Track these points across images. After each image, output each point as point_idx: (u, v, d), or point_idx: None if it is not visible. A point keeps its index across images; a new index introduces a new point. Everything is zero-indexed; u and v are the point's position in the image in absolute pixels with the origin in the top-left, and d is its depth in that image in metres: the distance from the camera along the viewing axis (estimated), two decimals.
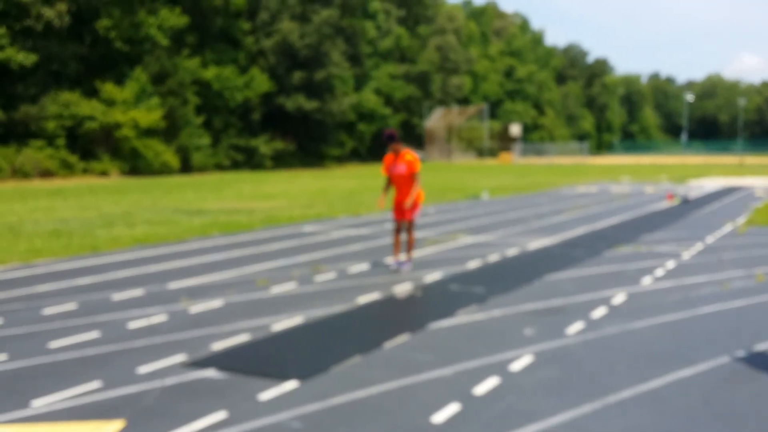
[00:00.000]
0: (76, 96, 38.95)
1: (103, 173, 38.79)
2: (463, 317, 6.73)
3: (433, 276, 8.83)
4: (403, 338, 6.00)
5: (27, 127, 36.71)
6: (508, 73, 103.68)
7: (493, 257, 10.38)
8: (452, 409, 4.38)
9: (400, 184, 9.20)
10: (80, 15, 41.01)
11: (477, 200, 21.85)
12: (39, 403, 4.48)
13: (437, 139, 79.53)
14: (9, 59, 36.28)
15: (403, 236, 9.43)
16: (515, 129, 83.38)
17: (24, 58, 36.82)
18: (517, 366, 5.21)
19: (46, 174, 35.87)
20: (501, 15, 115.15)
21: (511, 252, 10.89)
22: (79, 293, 7.85)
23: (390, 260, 9.87)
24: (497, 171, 48.58)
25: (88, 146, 39.32)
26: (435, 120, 79.09)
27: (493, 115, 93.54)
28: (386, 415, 4.30)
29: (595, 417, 4.26)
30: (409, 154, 9.15)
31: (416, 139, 76.02)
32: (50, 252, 10.72)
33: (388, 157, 9.23)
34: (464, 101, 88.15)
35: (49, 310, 7.03)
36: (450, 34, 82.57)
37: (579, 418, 4.25)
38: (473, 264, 9.76)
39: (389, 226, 14.08)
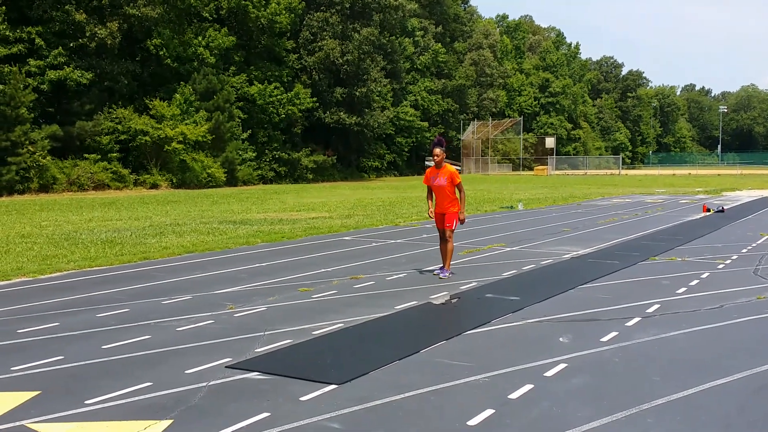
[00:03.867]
0: (128, 112, 40.11)
1: (154, 185, 39.77)
2: (498, 325, 6.85)
3: (469, 284, 8.96)
4: (439, 344, 6.15)
5: (83, 141, 37.92)
6: (543, 87, 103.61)
7: (528, 266, 10.46)
8: (487, 414, 4.50)
9: (441, 196, 9.54)
10: (132, 34, 42.22)
11: (512, 211, 21.86)
12: (92, 402, 4.74)
13: (473, 151, 79.77)
14: (66, 77, 37.56)
15: (444, 245, 9.65)
16: (550, 142, 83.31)
17: (79, 76, 38.06)
18: (551, 373, 5.31)
19: (100, 186, 36.97)
20: (536, 29, 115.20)
21: (546, 261, 10.95)
22: (131, 298, 8.18)
23: (431, 268, 10.04)
24: (532, 183, 48.32)
25: (140, 160, 40.40)
26: (471, 133, 79.35)
27: (528, 128, 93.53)
28: (423, 418, 4.45)
29: (629, 424, 4.32)
30: (450, 167, 9.52)
31: (453, 151, 76.21)
32: (105, 260, 11.15)
33: (430, 170, 9.66)
34: (499, 114, 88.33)
35: (103, 314, 7.37)
36: (486, 49, 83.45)
37: (613, 425, 4.32)
38: (508, 273, 9.87)
39: (426, 236, 14.23)
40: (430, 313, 7.47)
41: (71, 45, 38.54)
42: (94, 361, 5.68)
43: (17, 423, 4.33)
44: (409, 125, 67.87)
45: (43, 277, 9.83)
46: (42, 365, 5.57)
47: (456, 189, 9.47)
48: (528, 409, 4.57)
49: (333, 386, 5.02)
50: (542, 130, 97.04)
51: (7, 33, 36.37)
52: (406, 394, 4.87)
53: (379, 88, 58.53)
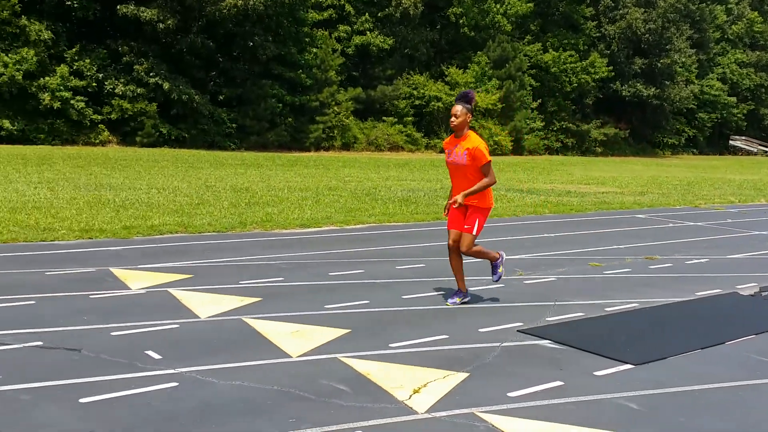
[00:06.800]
0: (424, 78, 41.95)
1: (442, 150, 41.37)
2: None
3: None
4: (748, 338, 5.64)
5: (382, 104, 40.53)
6: None
7: None
8: None
9: (458, 180, 6.26)
10: (434, 3, 43.83)
11: None
12: (395, 345, 5.09)
13: None
14: (370, 43, 40.30)
15: (457, 261, 6.37)
16: None
17: (382, 42, 40.58)
18: None
19: (394, 147, 39.35)
20: None
21: None
22: (426, 254, 8.62)
23: (735, 256, 9.18)
24: None
25: (431, 125, 42.15)
26: None
27: None
28: (730, 413, 4.14)
29: None
30: (474, 138, 6.14)
31: (764, 130, 68.22)
32: (401, 216, 11.88)
33: (449, 140, 6.38)
34: None
35: (402, 267, 7.86)
36: None
37: None
38: None
39: (730, 220, 13.01)
40: (737, 304, 6.86)
41: (378, 14, 41.10)
42: (395, 309, 6.08)
43: (332, 355, 4.80)
44: (714, 100, 62.14)
45: (347, 227, 10.73)
46: (351, 306, 6.10)
47: (481, 172, 6.12)
48: None
49: (629, 366, 4.86)
50: None
51: None
52: (710, 386, 4.55)
53: (683, 59, 54.25)
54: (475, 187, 6.07)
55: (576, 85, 49.50)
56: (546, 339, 5.38)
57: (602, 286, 7.31)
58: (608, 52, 52.25)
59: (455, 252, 6.26)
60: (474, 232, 6.15)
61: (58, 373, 4.22)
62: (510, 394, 4.24)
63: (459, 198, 6.08)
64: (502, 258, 6.50)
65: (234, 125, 34.41)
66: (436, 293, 6.71)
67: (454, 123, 6.10)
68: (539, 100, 48.20)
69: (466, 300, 6.38)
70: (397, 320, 5.76)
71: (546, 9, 50.53)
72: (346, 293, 6.56)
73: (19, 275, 6.65)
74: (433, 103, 40.95)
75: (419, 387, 4.28)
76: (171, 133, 32.44)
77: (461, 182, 6.19)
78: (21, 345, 4.70)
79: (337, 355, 4.79)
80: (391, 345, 5.10)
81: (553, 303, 6.51)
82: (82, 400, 3.84)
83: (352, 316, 5.80)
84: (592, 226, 12.02)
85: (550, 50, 49.47)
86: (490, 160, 6.12)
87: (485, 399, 4.14)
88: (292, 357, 4.73)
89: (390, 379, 4.39)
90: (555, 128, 49.76)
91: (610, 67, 50.81)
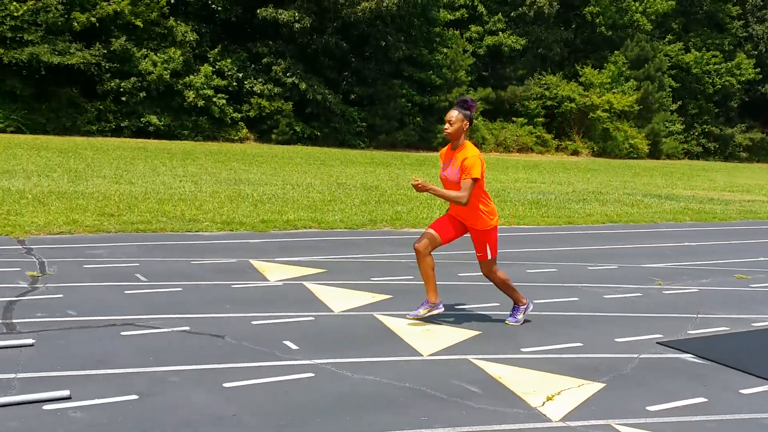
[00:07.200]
0: (556, 78, 41.08)
1: (575, 152, 40.31)
2: None
3: None
4: None
5: (512, 105, 40.07)
6: None
7: None
8: None
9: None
10: (569, 1, 42.82)
11: None
12: (527, 350, 5.01)
13: None
14: (501, 43, 39.91)
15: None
16: None
17: (514, 42, 40.08)
18: None
19: (523, 149, 38.81)
20: None
21: None
22: (557, 259, 8.44)
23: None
24: None
25: (563, 126, 41.22)
26: None
27: None
28: None
29: None
30: (470, 149, 5.32)
31: None
32: (531, 219, 11.69)
33: (444, 152, 5.55)
34: None
35: (532, 270, 7.73)
36: None
37: None
38: None
39: None
40: None
41: (511, 13, 40.62)
42: (527, 313, 5.98)
43: (463, 356, 4.79)
44: None
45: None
46: (481, 308, 6.06)
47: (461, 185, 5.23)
48: None
49: None
50: None
51: None
52: None
53: None
54: (444, 193, 5.22)
55: (720, 87, 47.00)
56: (688, 353, 5.13)
57: (749, 300, 6.89)
58: (755, 53, 49.22)
59: (421, 256, 5.36)
60: (489, 257, 5.50)
61: (204, 358, 4.44)
62: (649, 408, 4.07)
63: (426, 183, 5.15)
64: (529, 307, 5.73)
65: (364, 124, 35.05)
66: (569, 299, 6.55)
67: (448, 131, 5.32)
68: (679, 102, 46.10)
69: (435, 312, 5.42)
70: (529, 325, 5.66)
71: (689, 7, 48.24)
72: (476, 294, 6.52)
73: (167, 263, 7.06)
74: (565, 104, 40.05)
75: (553, 394, 4.19)
76: (304, 131, 33.47)
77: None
78: (170, 329, 4.98)
79: (468, 357, 4.77)
80: (522, 349, 5.02)
81: (695, 315, 6.19)
82: (225, 385, 4.03)
83: (483, 318, 5.76)
84: (737, 235, 11.35)
85: (692, 50, 47.19)
86: (478, 179, 5.19)
87: (623, 411, 4.00)
88: (423, 355, 4.76)
89: (522, 384, 4.32)
90: (696, 132, 47.45)
91: (758, 69, 47.87)
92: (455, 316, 5.76)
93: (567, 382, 4.40)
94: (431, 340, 5.09)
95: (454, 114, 5.31)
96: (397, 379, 4.27)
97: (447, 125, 5.35)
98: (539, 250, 9.04)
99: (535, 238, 10.06)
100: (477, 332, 5.33)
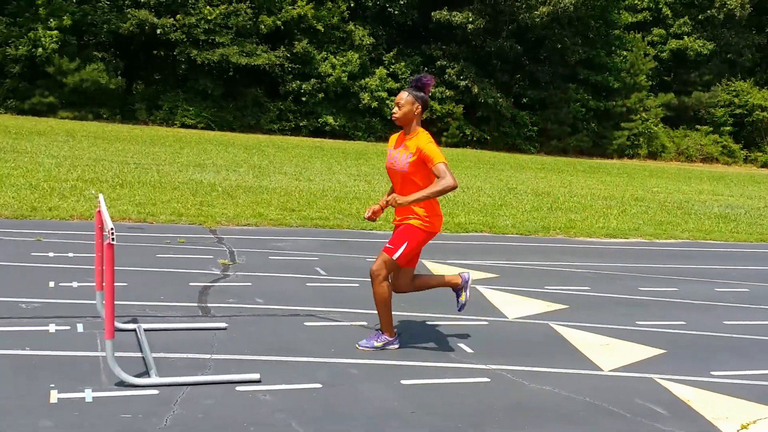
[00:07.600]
0: (747, 85, 38.26)
1: (765, 165, 37.34)
2: None
3: None
4: None
5: (696, 112, 37.82)
6: None
7: None
8: None
9: (399, 189, 4.63)
10: (763, 4, 39.74)
11: None
12: (718, 374, 4.67)
13: None
14: (686, 47, 37.73)
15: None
16: None
17: (701, 46, 37.75)
18: None
19: (707, 159, 36.51)
20: None
21: None
22: (748, 278, 7.83)
23: None
24: None
25: (753, 136, 38.32)
26: None
27: None
28: None
29: None
30: (422, 135, 4.51)
31: None
32: (719, 234, 10.94)
33: (393, 139, 4.76)
34: None
35: (721, 289, 7.22)
36: None
37: None
38: None
39: None
40: None
41: (698, 16, 38.32)
42: (717, 334, 5.59)
43: (647, 375, 4.55)
44: None
45: (657, 241, 10.13)
46: (665, 326, 5.73)
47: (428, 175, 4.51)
48: None
49: None
50: None
51: (636, 1, 38.05)
52: None
53: None
54: (426, 192, 4.37)
55: None
56: None
57: None
58: None
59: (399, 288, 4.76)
60: (394, 256, 4.48)
61: (381, 353, 4.53)
62: None
63: (398, 198, 4.41)
64: (394, 343, 4.67)
65: (535, 128, 34.44)
66: (763, 322, 6.05)
67: (396, 115, 4.54)
68: None
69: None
70: (719, 347, 5.29)
71: None
72: (660, 311, 6.18)
73: (345, 259, 7.29)
74: (756, 112, 37.19)
75: (748, 423, 3.88)
76: (474, 134, 33.43)
77: (404, 190, 4.56)
78: (348, 323, 5.13)
79: (652, 375, 4.53)
80: (713, 372, 4.69)
81: None
82: (403, 382, 4.08)
83: (668, 336, 5.44)
84: None
85: None
86: (445, 161, 4.41)
87: None
88: (603, 370, 4.57)
89: (713, 409, 4.03)
90: None
91: None
92: (637, 332, 5.49)
93: (763, 411, 4.06)
94: (612, 356, 4.88)
95: (404, 96, 4.53)
96: (575, 392, 4.13)
97: (395, 108, 4.57)
98: (728, 268, 8.44)
99: (723, 254, 9.39)
100: (662, 351, 5.05)
